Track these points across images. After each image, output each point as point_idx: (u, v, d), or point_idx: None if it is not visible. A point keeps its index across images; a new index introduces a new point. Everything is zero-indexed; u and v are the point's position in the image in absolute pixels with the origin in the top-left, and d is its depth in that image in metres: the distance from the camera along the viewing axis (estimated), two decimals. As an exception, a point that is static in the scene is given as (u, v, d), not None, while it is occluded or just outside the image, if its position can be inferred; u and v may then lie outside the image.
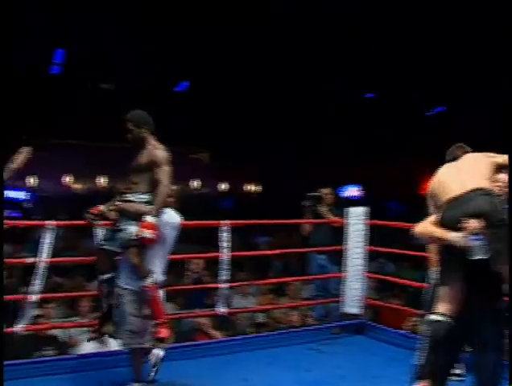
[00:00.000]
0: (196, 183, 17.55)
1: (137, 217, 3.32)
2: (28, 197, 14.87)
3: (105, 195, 3.98)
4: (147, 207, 3.33)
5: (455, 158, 3.18)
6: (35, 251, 3.95)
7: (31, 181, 15.42)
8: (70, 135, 14.56)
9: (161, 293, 3.47)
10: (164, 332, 3.35)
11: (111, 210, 3.49)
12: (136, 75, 12.75)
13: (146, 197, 3.38)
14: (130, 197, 3.41)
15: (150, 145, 3.40)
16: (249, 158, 15.69)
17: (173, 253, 3.65)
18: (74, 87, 13.44)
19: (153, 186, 3.36)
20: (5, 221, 3.50)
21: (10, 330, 3.72)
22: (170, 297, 6.42)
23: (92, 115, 14.10)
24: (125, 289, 3.37)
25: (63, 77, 13.12)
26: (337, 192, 7.03)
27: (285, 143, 15.37)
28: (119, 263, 3.44)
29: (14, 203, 13.70)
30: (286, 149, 15.49)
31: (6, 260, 4.79)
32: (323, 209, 5.47)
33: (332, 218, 5.38)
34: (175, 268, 7.62)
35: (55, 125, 14.18)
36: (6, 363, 2.71)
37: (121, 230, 3.36)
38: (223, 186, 17.74)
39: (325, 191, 5.55)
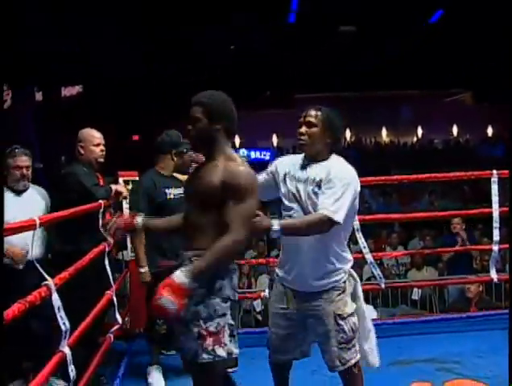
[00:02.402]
0: (454, 130, 16.41)
1: None
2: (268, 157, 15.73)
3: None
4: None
5: None
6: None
7: (274, 139, 16.50)
8: (314, 89, 14.90)
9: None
10: None
11: None
12: (378, 12, 12.06)
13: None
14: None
15: (222, 156, 2.14)
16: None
17: (431, 210, 3.32)
18: (311, 33, 13.32)
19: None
20: None
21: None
22: (428, 262, 6.10)
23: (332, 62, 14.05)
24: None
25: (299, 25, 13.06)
26: None
27: None
28: None
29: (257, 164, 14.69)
30: None
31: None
32: None
33: None
34: (435, 227, 7.17)
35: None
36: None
37: None
38: (490, 131, 16.17)
39: None
